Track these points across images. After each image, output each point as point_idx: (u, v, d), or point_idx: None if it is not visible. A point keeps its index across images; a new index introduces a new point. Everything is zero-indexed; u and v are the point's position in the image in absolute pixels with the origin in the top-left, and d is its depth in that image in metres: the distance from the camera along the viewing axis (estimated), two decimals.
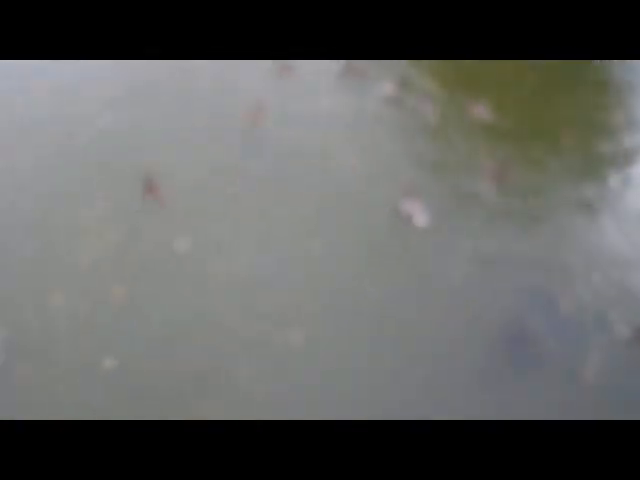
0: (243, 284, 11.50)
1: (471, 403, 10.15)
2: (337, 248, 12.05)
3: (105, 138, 14.70)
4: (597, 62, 16.95)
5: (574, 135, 14.96)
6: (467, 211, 13.16)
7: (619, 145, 15.63)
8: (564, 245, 12.81)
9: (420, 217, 12.61)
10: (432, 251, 12.36)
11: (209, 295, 11.37)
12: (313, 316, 11.58)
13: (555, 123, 15.27)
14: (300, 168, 13.69)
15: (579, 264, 12.28)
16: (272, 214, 12.74)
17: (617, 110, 16.48)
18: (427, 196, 13.34)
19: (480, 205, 13.24)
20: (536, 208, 13.63)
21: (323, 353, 11.12)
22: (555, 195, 13.81)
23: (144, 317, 10.83)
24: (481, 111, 14.96)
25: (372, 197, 13.24)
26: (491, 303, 11.55)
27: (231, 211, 12.83)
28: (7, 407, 8.74)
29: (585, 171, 14.31)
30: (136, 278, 11.40)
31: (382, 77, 16.09)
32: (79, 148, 14.33)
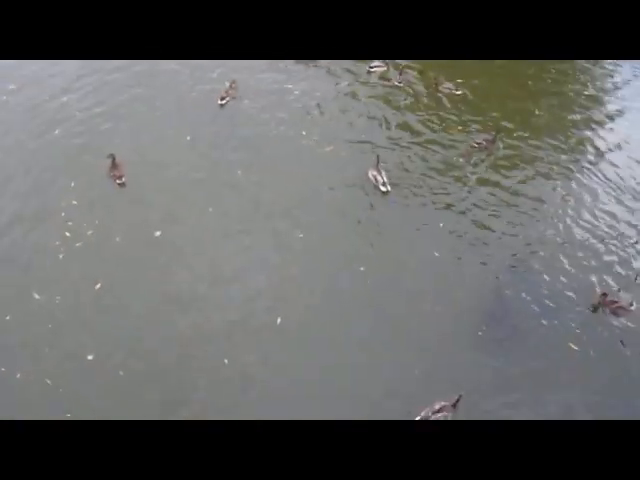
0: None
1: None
2: (313, 226, 11.83)
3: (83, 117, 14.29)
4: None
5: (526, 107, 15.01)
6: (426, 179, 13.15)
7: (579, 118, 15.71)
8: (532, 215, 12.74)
9: (383, 185, 12.73)
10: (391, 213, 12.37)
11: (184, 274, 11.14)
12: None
13: (517, 99, 15.21)
14: (280, 142, 13.47)
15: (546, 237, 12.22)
16: (250, 186, 12.51)
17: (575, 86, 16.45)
18: (393, 165, 13.15)
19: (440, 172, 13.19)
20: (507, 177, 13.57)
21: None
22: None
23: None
24: (452, 87, 15.08)
25: (345, 165, 13.16)
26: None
27: (207, 188, 12.50)
28: None
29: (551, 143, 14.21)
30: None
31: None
32: (56, 125, 13.94)
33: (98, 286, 11.13)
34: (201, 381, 10.06)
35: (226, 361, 10.36)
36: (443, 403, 9.84)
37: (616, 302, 11.67)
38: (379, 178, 13.41)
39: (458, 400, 9.85)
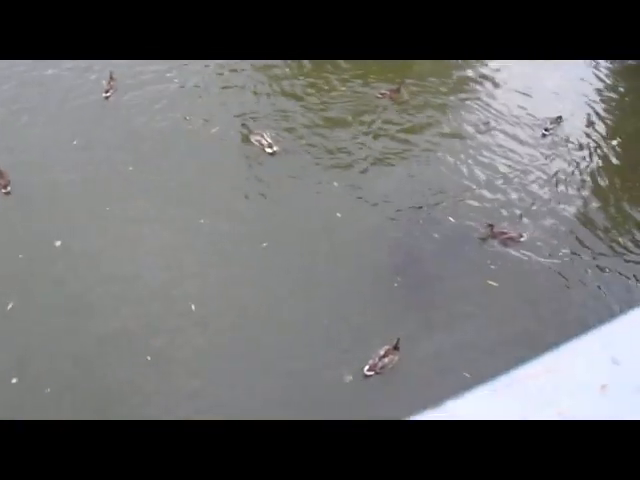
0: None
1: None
2: (214, 210, 11.79)
3: None
4: None
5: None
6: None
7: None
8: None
9: (271, 146, 13.18)
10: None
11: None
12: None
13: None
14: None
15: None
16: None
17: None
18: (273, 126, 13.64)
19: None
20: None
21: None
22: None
23: None
24: None
25: (232, 142, 13.51)
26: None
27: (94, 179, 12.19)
28: None
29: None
30: None
31: None
32: None
33: (10, 306, 10.79)
34: (126, 380, 10.02)
35: (149, 358, 10.29)
36: (386, 347, 10.47)
37: (505, 233, 12.48)
38: (264, 141, 13.57)
39: (398, 342, 10.56)
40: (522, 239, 12.47)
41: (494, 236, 12.37)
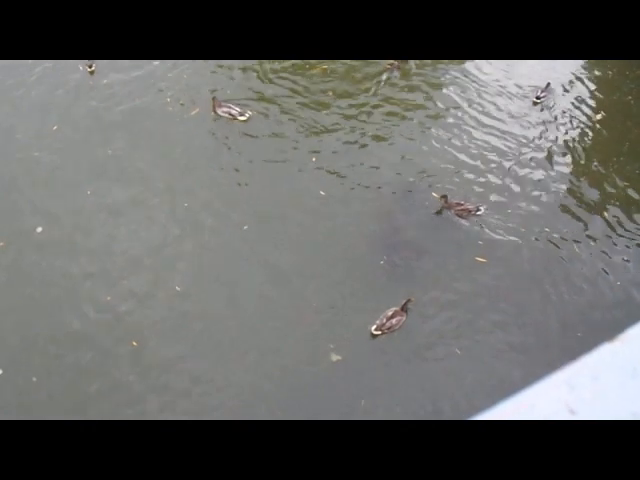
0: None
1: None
2: (195, 193, 11.69)
3: None
4: None
5: None
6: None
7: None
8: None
9: (240, 114, 12.94)
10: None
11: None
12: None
13: None
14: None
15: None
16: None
17: None
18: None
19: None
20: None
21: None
22: None
23: None
24: None
25: (213, 123, 13.21)
26: None
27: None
28: None
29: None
30: None
31: None
32: None
33: None
34: (117, 366, 10.02)
35: (135, 343, 10.27)
36: (394, 309, 10.61)
37: (461, 205, 12.37)
38: (233, 111, 13.48)
39: (406, 303, 10.65)
40: (479, 212, 12.39)
41: (449, 207, 12.36)
